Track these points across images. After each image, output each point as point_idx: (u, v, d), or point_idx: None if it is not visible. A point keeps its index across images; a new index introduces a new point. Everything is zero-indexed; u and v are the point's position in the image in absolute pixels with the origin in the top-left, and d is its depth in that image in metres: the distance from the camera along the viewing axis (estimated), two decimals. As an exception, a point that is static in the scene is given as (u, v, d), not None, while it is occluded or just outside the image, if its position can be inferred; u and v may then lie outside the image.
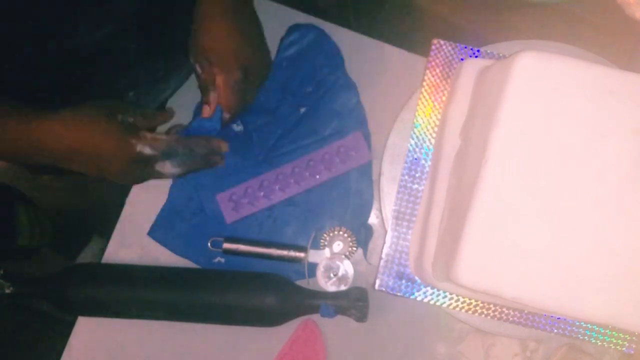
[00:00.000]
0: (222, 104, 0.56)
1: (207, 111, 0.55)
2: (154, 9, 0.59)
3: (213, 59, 0.53)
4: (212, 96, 0.54)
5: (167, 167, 0.57)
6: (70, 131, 0.53)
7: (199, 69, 0.55)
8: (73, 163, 0.55)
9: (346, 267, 0.69)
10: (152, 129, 0.58)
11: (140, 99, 0.67)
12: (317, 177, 0.70)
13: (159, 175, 0.58)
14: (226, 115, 0.57)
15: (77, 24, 0.53)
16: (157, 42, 0.62)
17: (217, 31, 0.52)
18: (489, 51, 0.64)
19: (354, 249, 0.70)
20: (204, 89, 0.55)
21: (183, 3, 0.59)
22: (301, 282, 0.69)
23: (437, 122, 0.64)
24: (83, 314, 0.71)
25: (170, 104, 0.74)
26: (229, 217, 0.71)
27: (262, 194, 0.70)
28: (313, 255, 0.69)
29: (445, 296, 0.61)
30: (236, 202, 0.70)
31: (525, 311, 0.60)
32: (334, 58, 0.72)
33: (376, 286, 0.63)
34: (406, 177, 0.64)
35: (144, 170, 0.56)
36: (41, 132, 0.52)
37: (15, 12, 0.47)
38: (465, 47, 0.64)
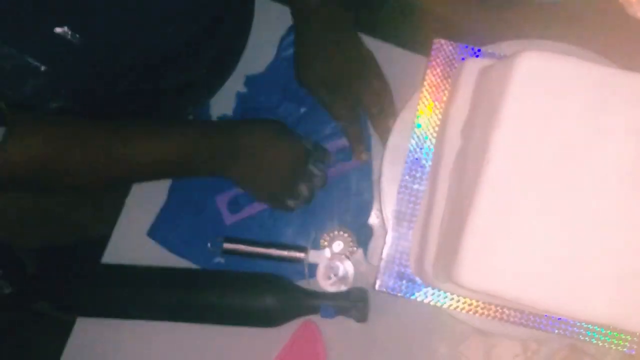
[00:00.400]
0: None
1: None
2: (229, 49, 0.68)
3: (306, 86, 0.63)
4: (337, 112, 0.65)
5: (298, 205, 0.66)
6: (268, 140, 0.61)
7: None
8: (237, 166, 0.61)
9: (346, 268, 0.68)
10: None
11: (194, 110, 0.73)
12: (317, 177, 0.70)
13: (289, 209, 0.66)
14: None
15: (169, 73, 0.60)
16: (218, 69, 0.70)
17: (307, 63, 0.63)
18: (490, 51, 0.64)
19: (355, 249, 0.69)
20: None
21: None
22: (301, 283, 0.69)
23: (438, 122, 0.63)
24: (83, 314, 0.71)
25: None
26: (228, 218, 0.70)
27: None
28: (313, 256, 0.69)
29: (446, 297, 0.61)
30: (235, 204, 0.70)
31: (527, 312, 0.60)
32: None
33: (376, 286, 0.63)
34: (407, 177, 0.64)
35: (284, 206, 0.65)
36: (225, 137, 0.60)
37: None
38: (467, 47, 0.64)
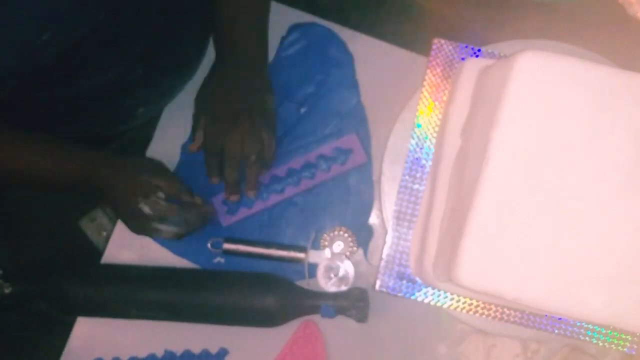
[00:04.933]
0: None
1: (193, 147, 0.66)
2: (160, 43, 0.67)
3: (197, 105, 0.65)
4: (197, 134, 0.65)
5: (164, 228, 0.64)
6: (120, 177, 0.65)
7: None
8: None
9: (346, 268, 0.68)
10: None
11: (148, 112, 0.74)
12: (314, 177, 0.70)
13: (158, 234, 0.65)
14: (192, 148, 0.67)
15: (88, 72, 0.62)
16: (163, 66, 0.70)
17: (207, 88, 0.66)
18: (490, 50, 0.64)
19: (355, 249, 0.69)
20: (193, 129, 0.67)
21: (185, 26, 0.70)
22: (301, 283, 0.69)
23: (438, 122, 0.63)
24: (83, 314, 0.70)
25: (167, 118, 0.74)
26: (225, 220, 0.70)
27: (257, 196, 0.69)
28: (313, 256, 0.69)
29: (446, 297, 0.61)
30: (230, 205, 0.70)
31: (527, 312, 0.60)
32: (344, 56, 0.72)
33: (377, 287, 0.63)
34: (407, 177, 0.64)
35: (143, 224, 0.64)
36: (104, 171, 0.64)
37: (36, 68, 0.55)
38: (466, 47, 0.64)
